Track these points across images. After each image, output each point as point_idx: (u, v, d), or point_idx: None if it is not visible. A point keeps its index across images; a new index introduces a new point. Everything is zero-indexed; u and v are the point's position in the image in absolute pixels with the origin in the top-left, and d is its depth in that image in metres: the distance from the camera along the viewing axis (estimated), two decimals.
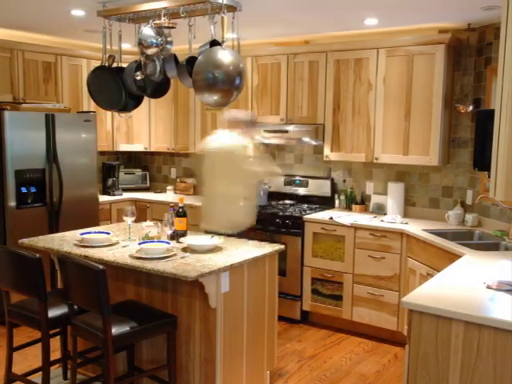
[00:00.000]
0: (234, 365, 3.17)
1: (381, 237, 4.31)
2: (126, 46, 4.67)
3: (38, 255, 2.93)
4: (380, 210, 4.83)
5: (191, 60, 3.46)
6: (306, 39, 5.09)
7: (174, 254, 3.13)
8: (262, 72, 5.17)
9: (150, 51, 3.52)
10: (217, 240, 3.36)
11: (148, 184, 6.30)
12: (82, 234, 3.48)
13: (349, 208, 5.00)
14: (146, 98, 3.99)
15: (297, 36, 5.03)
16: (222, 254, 3.20)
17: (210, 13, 3.36)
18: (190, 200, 5.39)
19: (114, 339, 2.72)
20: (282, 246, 3.50)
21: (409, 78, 4.42)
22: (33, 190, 4.65)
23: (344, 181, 5.14)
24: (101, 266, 2.68)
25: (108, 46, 3.81)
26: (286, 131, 4.90)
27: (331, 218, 4.54)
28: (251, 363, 3.31)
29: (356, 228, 4.43)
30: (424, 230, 4.12)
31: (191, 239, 3.35)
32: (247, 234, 4.14)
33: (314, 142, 4.97)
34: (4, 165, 4.46)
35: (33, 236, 3.64)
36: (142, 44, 3.50)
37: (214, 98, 3.39)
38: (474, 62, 4.43)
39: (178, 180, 6.14)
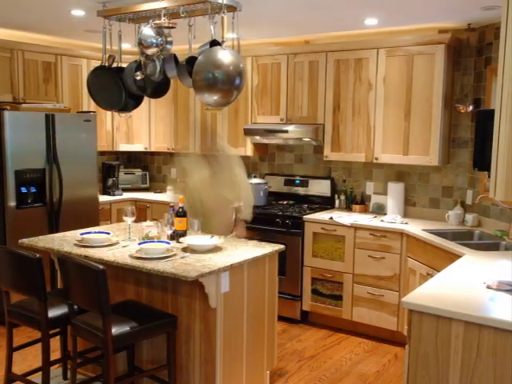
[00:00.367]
0: (234, 365, 3.17)
1: (381, 237, 4.31)
2: (125, 46, 4.67)
3: (38, 255, 2.93)
4: (380, 210, 4.83)
5: (191, 60, 3.45)
6: (306, 39, 5.09)
7: (174, 254, 3.13)
8: (262, 72, 5.17)
9: (150, 51, 3.52)
10: (217, 240, 3.36)
11: (148, 184, 6.30)
12: (82, 233, 3.48)
13: (349, 208, 5.00)
14: (145, 98, 3.98)
15: (297, 36, 5.03)
16: (222, 254, 3.20)
17: (210, 13, 3.36)
18: None
19: (114, 339, 2.72)
20: (282, 246, 3.50)
21: (409, 77, 4.42)
22: (33, 190, 4.65)
23: (344, 181, 5.14)
24: (101, 266, 2.68)
25: (108, 46, 3.81)
26: (286, 131, 4.89)
27: (331, 218, 4.54)
28: (251, 363, 3.31)
29: (356, 228, 4.43)
30: (424, 230, 4.12)
31: (191, 239, 3.35)
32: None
33: (314, 142, 4.97)
34: (4, 165, 4.45)
35: (33, 236, 3.64)
36: (141, 44, 3.50)
37: (214, 97, 3.38)
38: (474, 62, 4.43)
39: (178, 180, 6.13)
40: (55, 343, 3.54)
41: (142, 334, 2.92)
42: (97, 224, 4.86)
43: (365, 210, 4.92)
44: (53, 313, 3.03)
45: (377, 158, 4.63)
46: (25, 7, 4.04)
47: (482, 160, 3.74)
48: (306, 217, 4.68)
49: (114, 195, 5.76)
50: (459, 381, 2.23)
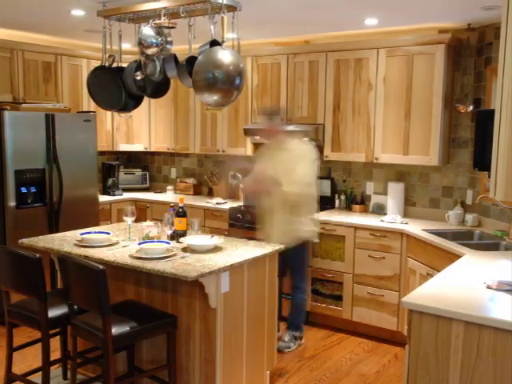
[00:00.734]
0: (234, 365, 3.16)
1: (381, 237, 4.31)
2: (126, 46, 4.66)
3: (38, 255, 2.93)
4: (380, 210, 4.83)
5: (191, 60, 3.45)
6: (306, 39, 5.09)
7: (174, 254, 3.13)
8: (262, 72, 5.17)
9: (150, 51, 3.52)
10: (217, 240, 3.36)
11: (148, 184, 6.30)
12: (82, 233, 3.48)
13: (349, 208, 5.00)
14: (145, 98, 3.98)
15: (297, 36, 5.03)
16: (222, 254, 3.20)
17: (210, 13, 3.36)
18: (189, 200, 5.39)
19: (114, 339, 2.72)
20: (282, 246, 3.50)
21: (409, 77, 4.42)
22: (33, 189, 4.65)
23: (344, 181, 5.14)
24: (101, 266, 2.68)
25: (108, 46, 3.81)
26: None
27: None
28: (251, 363, 3.31)
29: (356, 228, 4.43)
30: (424, 230, 4.12)
31: (191, 239, 3.35)
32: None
33: (313, 142, 4.96)
34: (4, 165, 4.46)
35: (33, 236, 3.64)
36: (142, 44, 3.50)
37: (214, 97, 3.38)
38: (474, 62, 4.43)
39: (178, 180, 6.14)
40: (55, 343, 3.53)
41: (141, 334, 2.92)
42: (97, 224, 4.86)
43: (365, 210, 4.92)
44: (53, 313, 3.03)
45: (377, 158, 4.63)
46: (25, 7, 4.04)
47: (482, 160, 3.74)
48: None
49: (114, 195, 5.76)
50: (459, 381, 2.23)
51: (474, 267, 2.99)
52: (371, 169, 4.99)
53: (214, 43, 3.36)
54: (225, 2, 3.28)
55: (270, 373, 3.53)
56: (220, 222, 5.16)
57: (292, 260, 4.03)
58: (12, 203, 4.51)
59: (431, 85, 4.32)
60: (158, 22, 3.48)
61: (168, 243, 3.27)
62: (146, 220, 4.91)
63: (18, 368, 3.61)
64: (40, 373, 3.06)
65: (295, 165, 3.87)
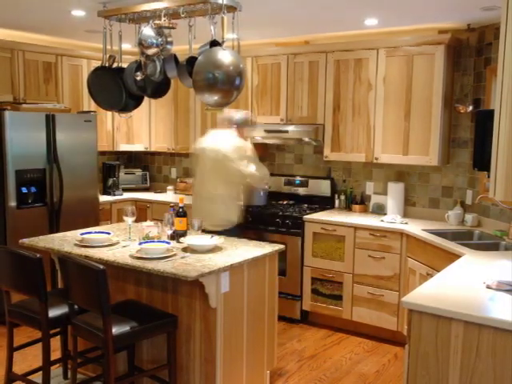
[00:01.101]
0: (234, 365, 3.17)
1: (381, 237, 4.32)
2: (126, 46, 4.65)
3: (38, 255, 2.93)
4: (380, 210, 4.83)
5: (191, 60, 3.46)
6: (306, 39, 5.09)
7: (174, 254, 3.14)
8: (261, 72, 5.17)
9: (151, 51, 3.52)
10: (217, 240, 3.37)
11: (148, 184, 6.30)
12: (83, 233, 3.48)
13: (349, 208, 5.01)
14: (146, 98, 3.99)
15: (297, 36, 5.03)
16: (222, 254, 3.20)
17: (210, 13, 3.36)
18: (190, 200, 5.39)
19: (115, 339, 2.72)
20: (282, 246, 3.50)
21: (409, 78, 4.42)
22: (33, 190, 4.65)
23: (344, 181, 5.14)
24: (101, 266, 2.69)
25: (108, 47, 3.81)
26: (286, 131, 4.90)
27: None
28: (251, 363, 3.32)
29: (356, 228, 4.44)
30: (424, 230, 4.12)
31: (191, 239, 3.35)
32: (241, 232, 4.15)
33: (314, 142, 4.98)
34: (4, 165, 4.46)
35: (33, 236, 3.64)
36: (142, 44, 3.50)
37: (214, 98, 3.39)
38: (474, 62, 4.44)
39: (178, 180, 6.14)
40: (55, 343, 3.54)
41: (142, 334, 2.92)
42: (97, 224, 4.87)
43: (365, 210, 4.92)
44: (53, 313, 3.04)
45: (377, 158, 4.63)
46: (25, 7, 4.04)
47: (481, 160, 3.74)
48: (305, 217, 4.68)
49: (114, 195, 5.76)
50: (459, 381, 2.23)
51: (474, 267, 2.99)
52: (371, 169, 4.99)
53: (214, 43, 3.36)
54: (225, 3, 3.28)
55: (270, 372, 3.54)
56: None
57: None
58: (12, 203, 4.52)
59: (431, 85, 4.32)
60: (158, 22, 3.48)
61: (168, 243, 3.28)
62: (146, 220, 4.91)
63: (19, 368, 3.61)
64: (40, 372, 3.06)
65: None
